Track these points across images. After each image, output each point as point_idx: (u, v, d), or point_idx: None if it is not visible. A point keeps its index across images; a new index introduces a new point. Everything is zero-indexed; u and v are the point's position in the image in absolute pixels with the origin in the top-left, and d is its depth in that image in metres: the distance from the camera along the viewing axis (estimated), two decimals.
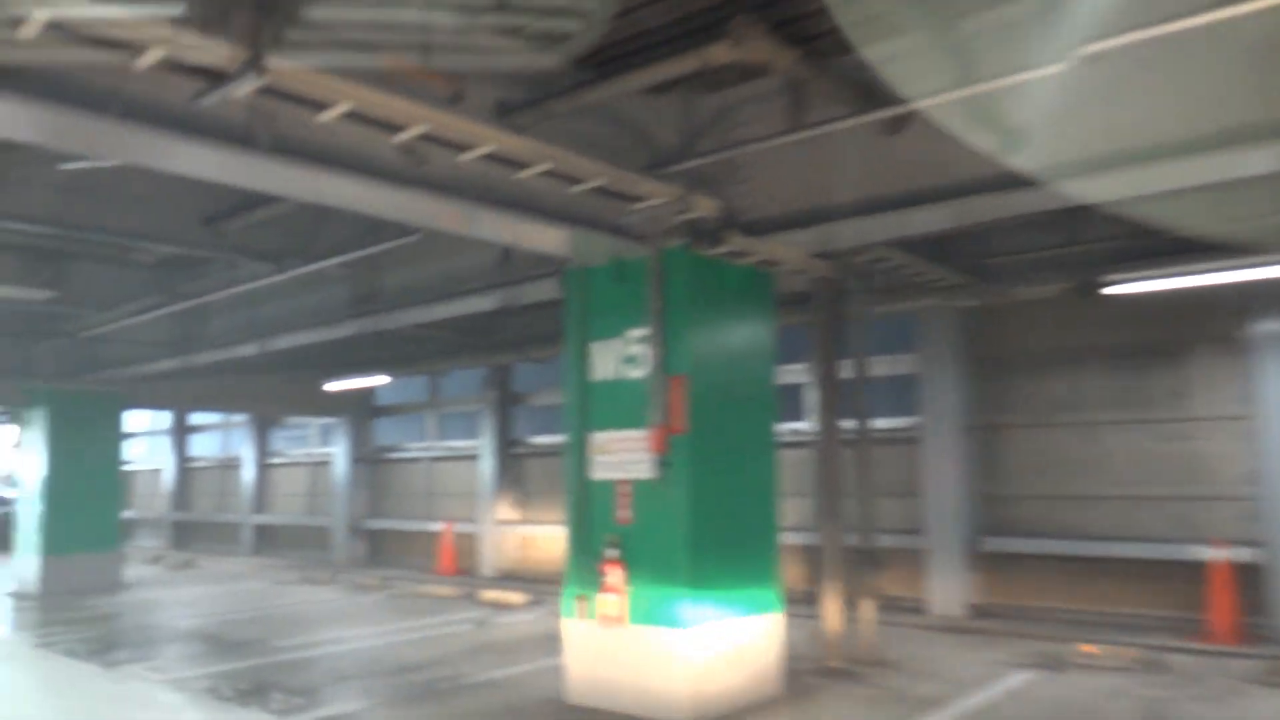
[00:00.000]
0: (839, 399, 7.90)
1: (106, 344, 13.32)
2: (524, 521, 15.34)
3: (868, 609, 7.86)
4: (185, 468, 22.84)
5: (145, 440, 24.46)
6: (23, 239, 8.79)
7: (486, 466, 15.66)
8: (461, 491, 16.48)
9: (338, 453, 18.21)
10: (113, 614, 12.00)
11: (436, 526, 16.05)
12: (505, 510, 15.44)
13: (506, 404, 15.83)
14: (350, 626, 10.76)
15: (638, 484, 6.58)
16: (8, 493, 22.57)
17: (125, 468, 24.44)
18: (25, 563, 14.09)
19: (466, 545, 15.63)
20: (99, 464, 14.48)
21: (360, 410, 18.17)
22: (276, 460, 20.48)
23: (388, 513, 17.74)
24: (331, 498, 18.38)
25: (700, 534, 6.40)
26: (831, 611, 7.68)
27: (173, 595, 13.85)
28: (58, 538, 13.87)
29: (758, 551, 7.00)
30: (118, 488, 14.79)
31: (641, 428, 6.51)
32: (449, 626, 10.67)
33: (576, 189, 5.64)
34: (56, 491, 13.97)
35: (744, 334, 7.05)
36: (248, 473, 20.40)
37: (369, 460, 18.14)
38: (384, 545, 17.64)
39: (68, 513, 13.98)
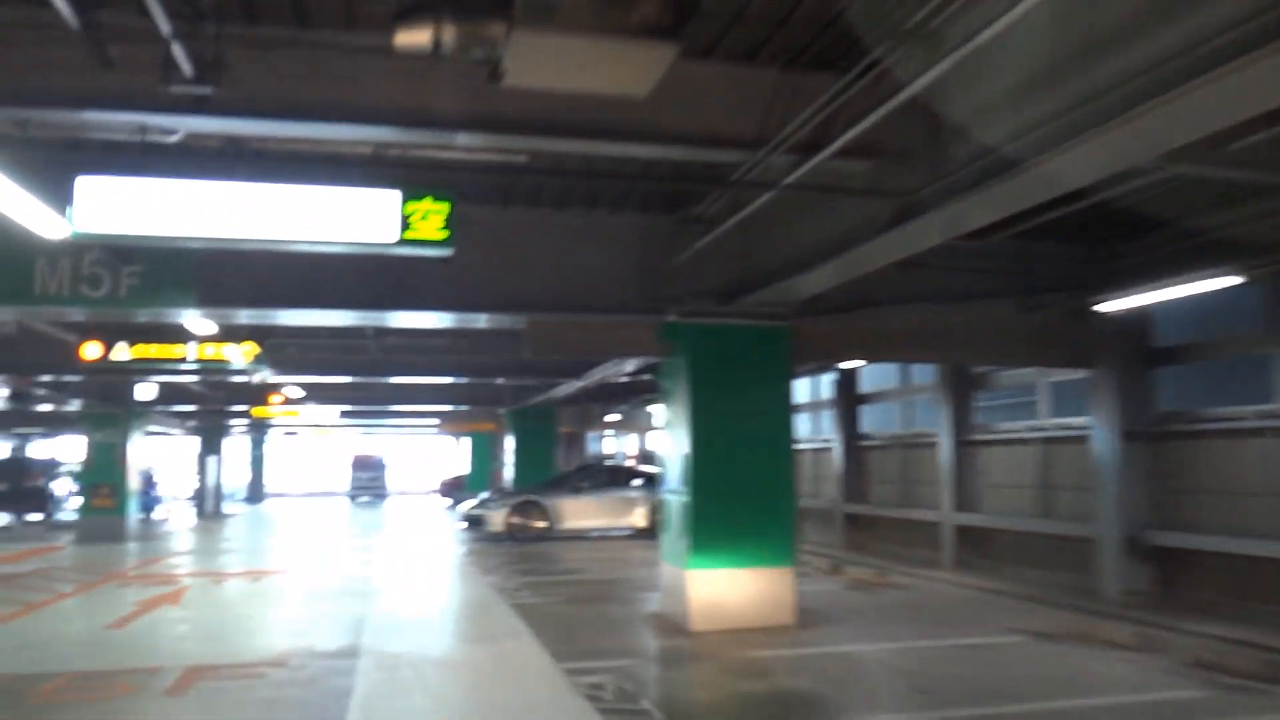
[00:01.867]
0: None
1: (757, 234, 8.37)
2: None
3: None
4: (854, 446, 18.02)
5: (805, 413, 20.33)
6: None
7: None
8: None
9: (1093, 425, 11.59)
10: (791, 695, 6.89)
11: None
12: None
13: None
14: None
15: None
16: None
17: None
18: (670, 576, 9.85)
19: None
20: (762, 436, 9.66)
21: (1127, 355, 11.32)
22: (980, 437, 14.50)
23: (1191, 522, 10.67)
24: (1084, 493, 11.87)
25: None
26: None
27: (875, 653, 8.45)
28: (707, 545, 9.33)
29: None
30: (789, 474, 9.90)
31: None
32: None
33: None
34: (705, 478, 9.44)
35: None
36: (943, 454, 14.72)
37: (1150, 435, 11.21)
38: (1185, 574, 10.62)
39: (721, 509, 9.38)
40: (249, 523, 27.73)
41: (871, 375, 17.69)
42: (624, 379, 17.37)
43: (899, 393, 16.95)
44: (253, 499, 41.72)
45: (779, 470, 9.68)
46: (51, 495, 27.95)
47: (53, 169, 5.43)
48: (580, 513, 19.65)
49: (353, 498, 42.19)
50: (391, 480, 44.59)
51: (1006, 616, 10.01)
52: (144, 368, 12.14)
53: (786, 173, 6.20)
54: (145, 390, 19.16)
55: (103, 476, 20.94)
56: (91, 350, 11.79)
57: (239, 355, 12.18)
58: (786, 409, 10.02)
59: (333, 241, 5.78)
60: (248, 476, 42.87)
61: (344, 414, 29.01)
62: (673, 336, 9.68)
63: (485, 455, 36.73)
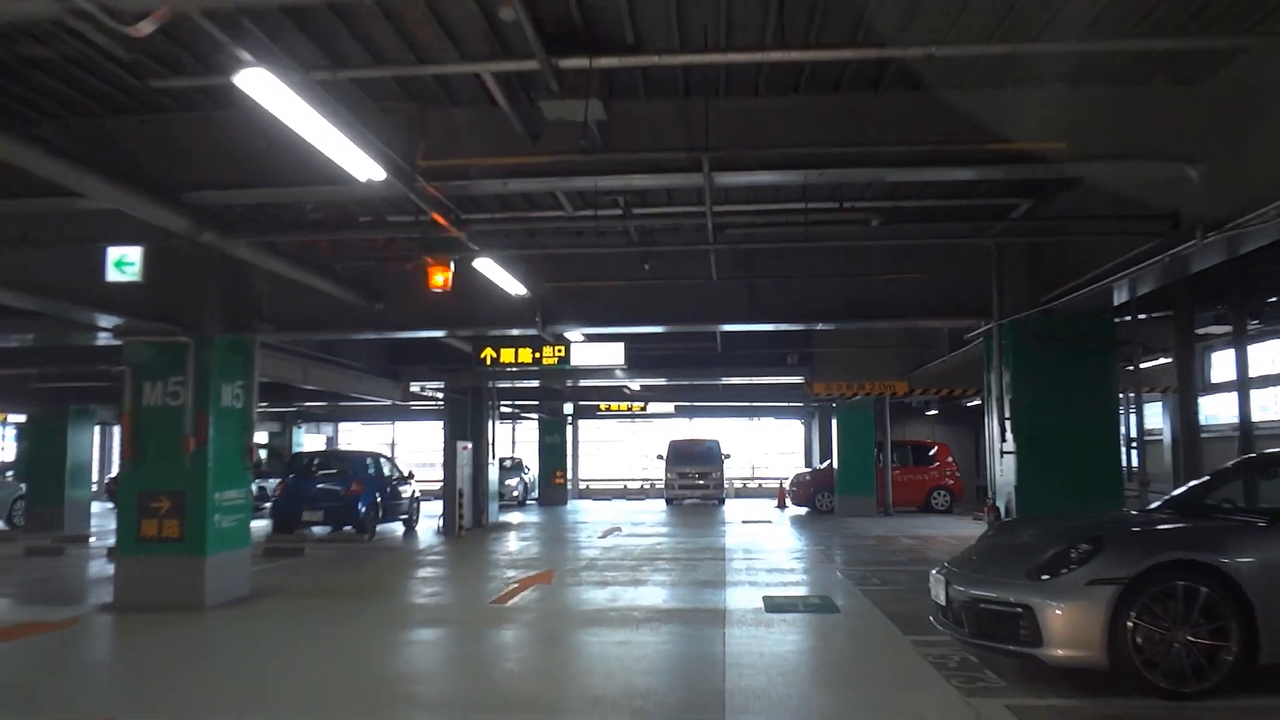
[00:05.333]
0: None
1: None
2: None
3: None
4: None
5: None
6: None
7: None
8: None
9: None
10: None
11: None
12: None
13: None
14: None
15: None
16: None
17: None
18: None
19: None
20: None
21: None
22: None
23: None
24: None
25: None
26: None
27: None
28: None
29: None
30: None
31: None
32: None
33: None
34: None
35: None
36: None
37: None
38: None
39: None
40: (497, 551, 16.56)
41: None
42: None
43: None
44: (545, 500, 31.50)
45: None
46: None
47: None
48: None
49: (671, 500, 30.65)
50: (727, 474, 32.53)
51: None
52: None
53: None
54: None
55: (154, 477, 10.20)
56: None
57: None
58: None
59: None
60: (534, 471, 32.92)
61: (631, 364, 15.21)
62: None
63: (865, 433, 23.61)
